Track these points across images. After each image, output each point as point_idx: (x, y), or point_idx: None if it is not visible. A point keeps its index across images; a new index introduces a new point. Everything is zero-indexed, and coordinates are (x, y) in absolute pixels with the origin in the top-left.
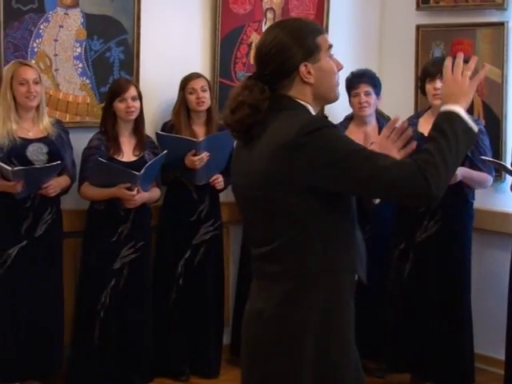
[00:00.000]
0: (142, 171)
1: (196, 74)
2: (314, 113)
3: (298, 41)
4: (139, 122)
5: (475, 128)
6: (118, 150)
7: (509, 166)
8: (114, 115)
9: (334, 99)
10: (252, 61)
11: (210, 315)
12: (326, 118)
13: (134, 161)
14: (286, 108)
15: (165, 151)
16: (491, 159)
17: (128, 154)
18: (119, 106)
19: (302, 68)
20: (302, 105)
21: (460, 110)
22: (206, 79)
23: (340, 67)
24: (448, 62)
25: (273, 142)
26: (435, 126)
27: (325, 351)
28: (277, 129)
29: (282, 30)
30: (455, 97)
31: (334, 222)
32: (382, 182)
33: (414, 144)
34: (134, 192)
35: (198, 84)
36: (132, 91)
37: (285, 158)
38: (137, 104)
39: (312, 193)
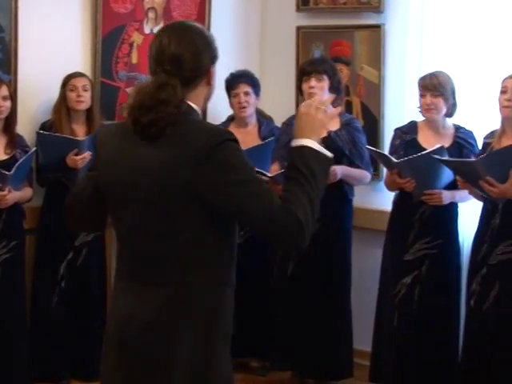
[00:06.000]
0: (13, 170)
1: (79, 72)
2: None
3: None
4: (10, 120)
5: (329, 154)
6: None
7: (391, 157)
8: None
9: None
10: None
11: (92, 317)
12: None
13: (6, 159)
14: (188, 113)
15: (33, 149)
16: (374, 149)
17: None
18: None
19: (212, 70)
20: (196, 110)
21: (310, 142)
22: (89, 79)
23: None
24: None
25: (178, 148)
26: (291, 165)
27: (201, 365)
28: (182, 135)
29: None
30: (306, 131)
31: (224, 235)
32: (268, 219)
33: None
34: (5, 192)
35: (79, 82)
36: (3, 91)
37: (188, 166)
38: (7, 103)
39: (206, 204)
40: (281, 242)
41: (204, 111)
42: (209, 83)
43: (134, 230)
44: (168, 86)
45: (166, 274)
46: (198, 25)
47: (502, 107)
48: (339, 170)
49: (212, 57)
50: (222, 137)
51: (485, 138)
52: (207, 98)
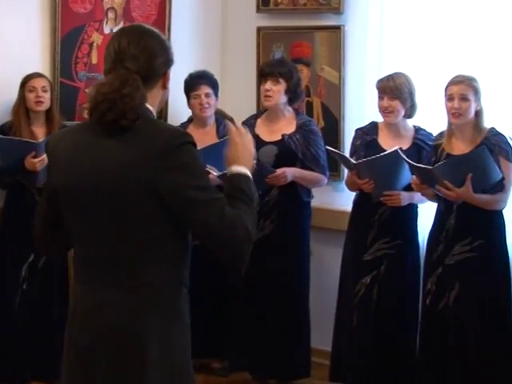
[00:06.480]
0: None
1: (38, 73)
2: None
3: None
4: None
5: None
6: None
7: (350, 158)
8: None
9: None
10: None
11: (54, 319)
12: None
13: None
14: (145, 113)
15: None
16: (334, 150)
17: None
18: None
19: (168, 73)
20: (151, 111)
21: (247, 172)
22: (49, 80)
23: None
24: (232, 127)
25: (139, 146)
26: (235, 186)
27: (167, 363)
28: (143, 133)
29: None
30: (243, 160)
31: (181, 236)
32: (220, 226)
33: None
34: None
35: (38, 83)
36: None
37: (149, 165)
38: None
39: (163, 203)
40: (230, 249)
41: (165, 111)
42: (164, 87)
43: (92, 230)
44: (130, 80)
45: (126, 274)
46: (155, 29)
47: (451, 114)
48: (290, 173)
49: (168, 60)
50: (183, 139)
51: (434, 141)
52: (162, 102)
